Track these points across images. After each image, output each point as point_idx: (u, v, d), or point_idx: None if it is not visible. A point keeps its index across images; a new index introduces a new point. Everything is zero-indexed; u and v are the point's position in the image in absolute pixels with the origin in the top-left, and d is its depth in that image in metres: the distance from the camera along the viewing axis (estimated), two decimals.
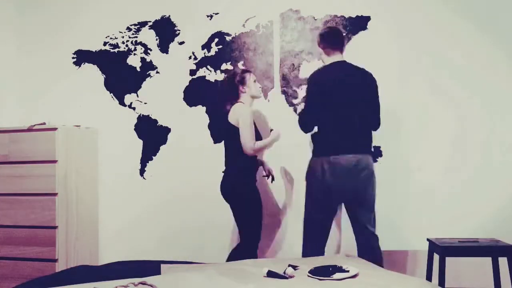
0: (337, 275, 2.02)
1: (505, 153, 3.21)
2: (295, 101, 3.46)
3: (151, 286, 1.94)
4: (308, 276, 2.04)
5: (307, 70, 3.41)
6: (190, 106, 3.65)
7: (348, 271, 2.05)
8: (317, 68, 3.11)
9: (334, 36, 2.97)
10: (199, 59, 3.63)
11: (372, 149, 3.03)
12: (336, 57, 2.94)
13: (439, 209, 3.25)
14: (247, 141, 2.94)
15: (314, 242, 2.93)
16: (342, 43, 2.99)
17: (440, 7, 3.29)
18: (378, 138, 3.31)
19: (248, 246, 3.01)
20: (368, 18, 3.37)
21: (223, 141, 3.21)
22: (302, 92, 3.44)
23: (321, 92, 2.88)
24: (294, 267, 2.17)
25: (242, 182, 3.02)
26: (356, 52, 3.34)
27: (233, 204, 3.04)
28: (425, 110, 3.31)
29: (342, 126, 2.84)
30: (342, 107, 2.84)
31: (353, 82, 2.88)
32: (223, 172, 3.08)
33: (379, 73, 3.33)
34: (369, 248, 2.83)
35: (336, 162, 2.79)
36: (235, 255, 2.96)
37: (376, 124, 2.96)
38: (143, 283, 1.97)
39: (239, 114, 2.99)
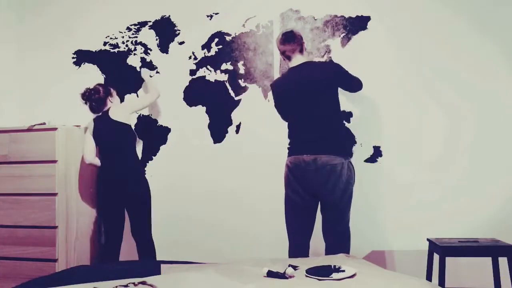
0: (336, 275, 2.02)
1: (505, 152, 3.21)
2: None
3: (151, 286, 1.94)
4: (306, 276, 2.04)
5: None
6: (190, 106, 3.65)
7: (345, 271, 2.05)
8: (279, 75, 3.15)
9: (289, 39, 2.94)
10: (199, 59, 3.63)
11: (350, 150, 3.15)
12: (297, 60, 2.94)
13: (439, 209, 3.25)
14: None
15: (293, 242, 2.94)
16: (300, 45, 2.95)
17: (440, 8, 3.29)
18: (378, 138, 3.32)
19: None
20: (368, 18, 3.36)
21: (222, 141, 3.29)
22: None
23: (284, 99, 2.96)
24: (294, 267, 2.16)
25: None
26: (356, 52, 3.35)
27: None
28: (423, 109, 3.30)
29: (307, 127, 2.86)
30: (306, 109, 2.86)
31: (316, 79, 2.86)
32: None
33: (379, 73, 3.34)
34: (337, 248, 2.78)
35: (298, 162, 2.83)
36: None
37: (356, 87, 3.01)
38: (143, 283, 1.97)
39: (129, 107, 3.48)
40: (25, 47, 4.00)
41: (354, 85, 3.00)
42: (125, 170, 3.29)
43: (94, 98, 3.37)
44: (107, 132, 3.32)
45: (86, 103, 3.41)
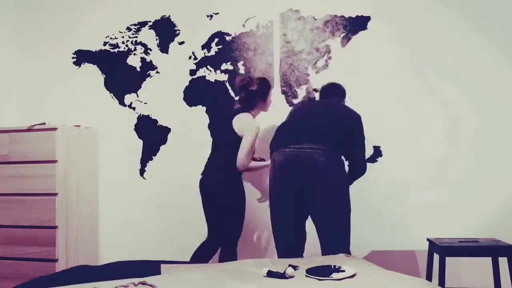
0: (336, 275, 2.02)
1: (506, 152, 3.20)
2: (295, 101, 3.46)
3: (151, 286, 1.94)
4: (306, 276, 2.04)
5: (307, 70, 3.42)
6: (190, 106, 3.65)
7: (345, 271, 2.05)
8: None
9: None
10: (199, 59, 3.63)
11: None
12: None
13: (439, 209, 3.25)
14: (244, 157, 2.94)
15: (280, 245, 2.79)
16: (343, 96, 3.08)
17: (440, 8, 3.29)
18: (377, 138, 3.32)
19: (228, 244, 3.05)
20: (368, 18, 3.36)
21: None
22: (302, 92, 3.44)
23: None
24: (294, 267, 2.16)
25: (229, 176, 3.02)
26: (356, 52, 3.34)
27: (214, 199, 3.04)
28: (424, 109, 3.29)
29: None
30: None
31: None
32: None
33: (379, 73, 3.34)
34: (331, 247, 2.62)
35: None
36: (203, 253, 3.03)
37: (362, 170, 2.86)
38: (143, 283, 1.96)
39: (245, 127, 2.97)
40: (25, 47, 4.00)
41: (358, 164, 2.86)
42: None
43: (248, 90, 3.08)
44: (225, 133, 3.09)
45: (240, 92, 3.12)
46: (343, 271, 2.06)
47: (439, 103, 3.27)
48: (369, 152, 3.33)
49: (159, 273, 2.24)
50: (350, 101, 3.15)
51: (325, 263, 2.23)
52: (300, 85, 3.45)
